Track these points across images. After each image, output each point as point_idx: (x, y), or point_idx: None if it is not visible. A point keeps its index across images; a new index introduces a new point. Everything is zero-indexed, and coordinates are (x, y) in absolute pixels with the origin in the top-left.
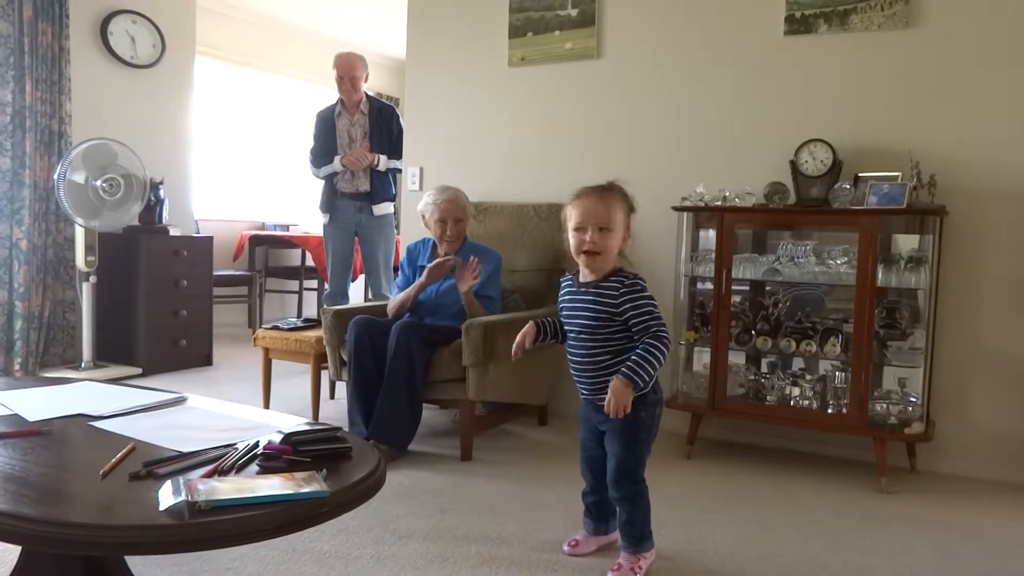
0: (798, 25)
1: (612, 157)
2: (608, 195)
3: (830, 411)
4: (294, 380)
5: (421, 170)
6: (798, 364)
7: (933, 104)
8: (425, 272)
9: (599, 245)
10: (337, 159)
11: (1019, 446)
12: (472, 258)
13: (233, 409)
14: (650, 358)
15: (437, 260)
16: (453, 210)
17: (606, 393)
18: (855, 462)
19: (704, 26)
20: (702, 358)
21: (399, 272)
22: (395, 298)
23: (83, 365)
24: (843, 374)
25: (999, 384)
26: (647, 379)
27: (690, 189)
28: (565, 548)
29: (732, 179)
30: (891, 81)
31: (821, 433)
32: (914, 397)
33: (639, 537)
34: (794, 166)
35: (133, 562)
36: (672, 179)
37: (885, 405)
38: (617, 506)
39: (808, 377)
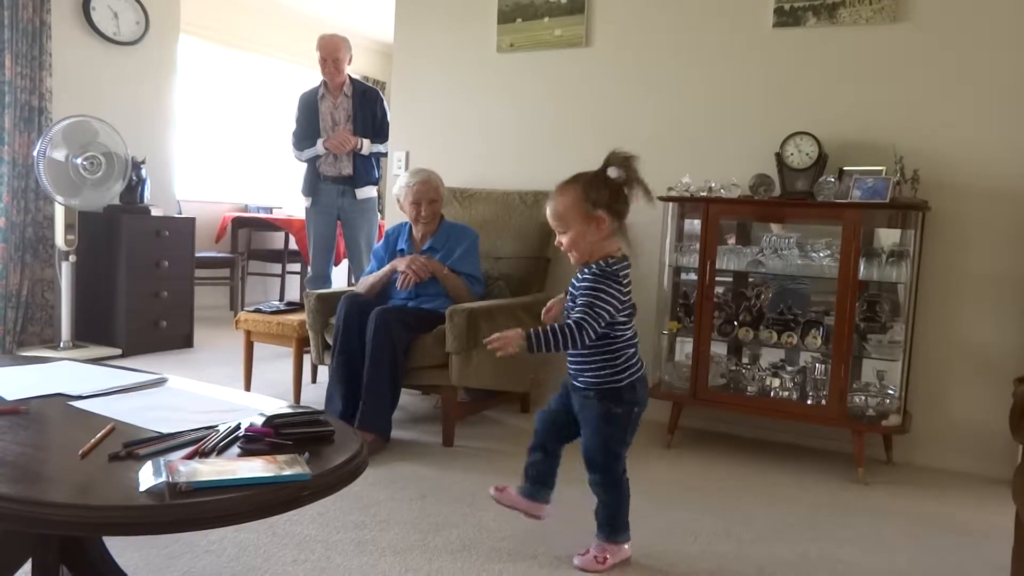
0: (787, 17)
1: (599, 145)
2: (558, 195)
3: (810, 402)
4: (275, 364)
5: (407, 154)
6: (779, 355)
7: (919, 99)
8: (400, 262)
9: (564, 245)
10: (320, 142)
11: (993, 440)
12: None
13: (214, 391)
14: (558, 334)
15: (413, 257)
16: (426, 191)
17: (580, 373)
18: (833, 453)
19: (693, 16)
20: (684, 348)
21: (371, 258)
22: (365, 279)
23: (62, 345)
24: (823, 366)
25: (975, 378)
26: (542, 346)
27: (676, 179)
28: (491, 491)
29: (718, 170)
30: (878, 75)
31: (800, 424)
32: (892, 390)
33: (610, 526)
34: (780, 158)
35: (111, 543)
36: (658, 169)
37: (864, 397)
38: (592, 490)
39: (789, 368)
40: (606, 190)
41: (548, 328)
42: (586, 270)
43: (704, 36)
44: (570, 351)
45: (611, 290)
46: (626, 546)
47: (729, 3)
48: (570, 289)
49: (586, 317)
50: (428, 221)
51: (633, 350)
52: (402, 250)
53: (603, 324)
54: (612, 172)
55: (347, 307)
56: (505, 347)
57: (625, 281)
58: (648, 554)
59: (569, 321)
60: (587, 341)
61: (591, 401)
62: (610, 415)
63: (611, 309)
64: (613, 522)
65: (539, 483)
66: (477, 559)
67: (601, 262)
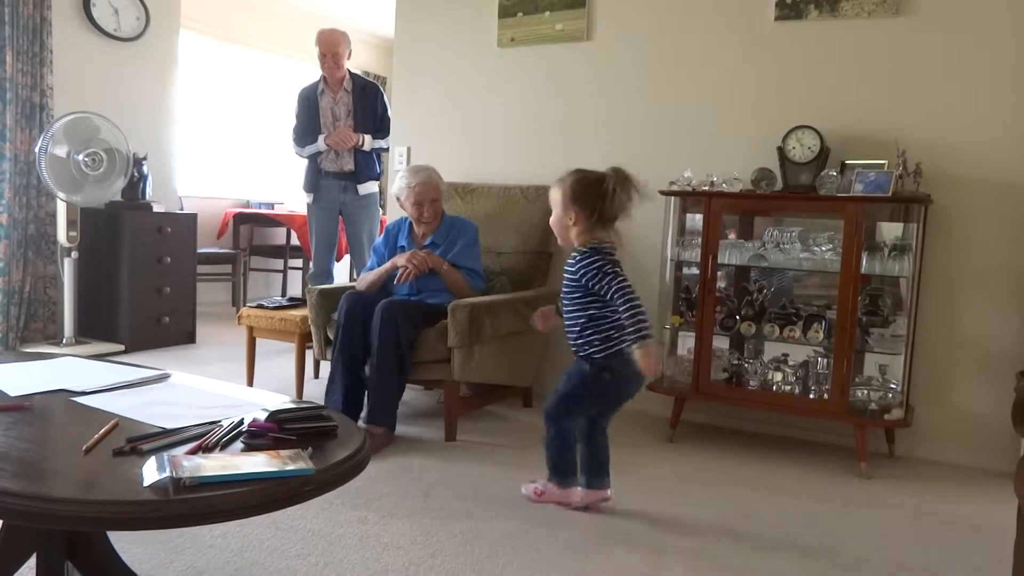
0: (788, 10)
1: (600, 140)
2: (556, 183)
3: (812, 397)
4: (277, 360)
5: (408, 150)
6: (781, 350)
7: (921, 93)
8: (399, 257)
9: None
10: (321, 138)
11: (996, 433)
12: (417, 260)
13: (217, 386)
14: (636, 317)
15: (411, 253)
16: (428, 192)
17: (581, 347)
18: (835, 447)
19: (694, 10)
20: (686, 343)
21: (371, 253)
22: (365, 275)
23: (64, 341)
24: (825, 360)
25: (978, 372)
26: (644, 330)
27: (678, 173)
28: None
29: (720, 164)
30: (880, 69)
31: (802, 418)
32: (894, 384)
33: (554, 466)
34: (782, 152)
35: (116, 538)
36: (660, 163)
37: (866, 391)
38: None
39: (791, 363)
40: (583, 193)
41: (633, 323)
42: (575, 255)
43: (705, 30)
44: (568, 331)
45: (607, 260)
46: (576, 490)
47: None
48: (564, 277)
49: (618, 287)
50: (430, 220)
51: (619, 332)
52: (403, 247)
53: (625, 280)
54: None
55: (349, 304)
56: (656, 366)
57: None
58: (650, 549)
59: (623, 305)
60: (637, 298)
61: (577, 363)
62: (580, 373)
63: (619, 269)
64: (556, 465)
65: (591, 471)
66: (480, 554)
67: (584, 249)
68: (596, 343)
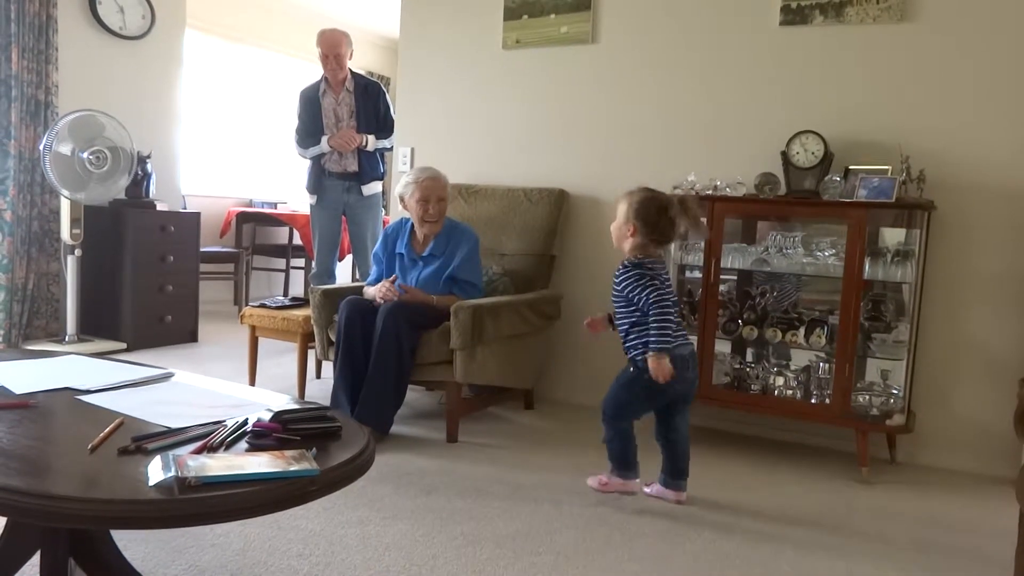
0: (793, 15)
1: (604, 143)
2: (626, 193)
3: (813, 401)
4: (279, 359)
5: (412, 151)
6: (783, 354)
7: (925, 99)
8: (376, 292)
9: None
10: (325, 139)
11: (997, 439)
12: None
13: (221, 386)
14: (660, 329)
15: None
16: (435, 188)
17: (628, 350)
18: (837, 452)
19: (700, 14)
20: None
21: (372, 263)
22: (368, 291)
23: (67, 339)
24: (827, 365)
25: (980, 378)
26: (663, 342)
27: (681, 177)
28: (646, 490)
29: (723, 168)
30: (884, 75)
31: (804, 423)
32: (896, 389)
33: (614, 462)
34: (785, 157)
35: (117, 536)
36: (664, 166)
37: (867, 396)
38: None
39: (793, 367)
40: (647, 212)
41: (655, 333)
42: (621, 266)
43: (710, 33)
44: (620, 333)
45: (645, 275)
46: (636, 482)
47: (736, 1)
48: (612, 285)
49: (652, 300)
50: (435, 220)
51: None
52: (401, 254)
53: (661, 293)
54: (672, 211)
55: (348, 311)
56: (666, 374)
57: (663, 275)
58: (651, 552)
59: (653, 316)
60: (670, 310)
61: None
62: (625, 374)
63: (656, 283)
64: (615, 460)
65: (670, 472)
66: (481, 554)
67: (631, 258)
68: (639, 347)
